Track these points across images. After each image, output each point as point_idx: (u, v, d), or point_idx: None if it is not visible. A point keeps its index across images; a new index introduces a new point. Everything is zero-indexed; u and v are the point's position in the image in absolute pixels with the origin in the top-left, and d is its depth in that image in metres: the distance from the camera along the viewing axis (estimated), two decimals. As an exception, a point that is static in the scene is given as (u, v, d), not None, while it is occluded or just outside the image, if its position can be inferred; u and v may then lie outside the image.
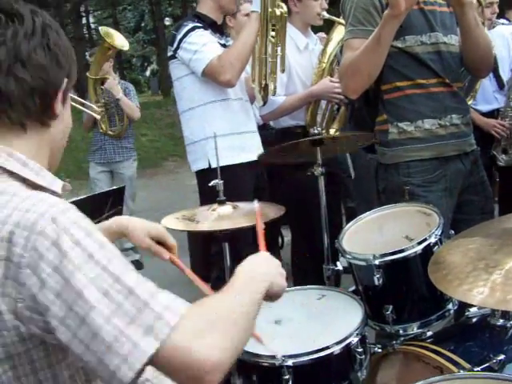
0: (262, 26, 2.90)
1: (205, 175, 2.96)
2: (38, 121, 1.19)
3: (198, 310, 1.07)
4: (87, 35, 26.35)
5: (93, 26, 29.53)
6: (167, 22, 28.70)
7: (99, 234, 1.06)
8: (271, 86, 3.09)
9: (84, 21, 26.64)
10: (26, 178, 1.14)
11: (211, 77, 2.91)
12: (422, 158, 2.27)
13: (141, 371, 0.98)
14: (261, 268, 1.31)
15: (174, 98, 3.23)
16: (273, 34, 2.97)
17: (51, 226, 1.00)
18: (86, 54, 9.87)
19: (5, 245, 1.01)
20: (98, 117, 4.68)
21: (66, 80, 1.21)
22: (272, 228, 3.94)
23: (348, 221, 2.33)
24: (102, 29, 4.91)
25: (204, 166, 3.01)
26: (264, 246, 1.51)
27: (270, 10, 2.89)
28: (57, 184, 1.19)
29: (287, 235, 4.58)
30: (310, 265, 3.37)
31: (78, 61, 1.33)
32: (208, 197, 2.82)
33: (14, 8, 1.15)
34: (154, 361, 0.99)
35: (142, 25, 30.66)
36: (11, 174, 1.13)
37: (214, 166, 2.89)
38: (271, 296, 1.32)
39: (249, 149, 3.08)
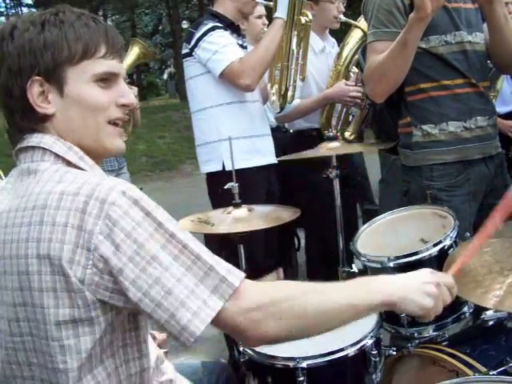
0: (286, 33, 2.90)
1: (217, 178, 2.92)
2: (30, 129, 1.25)
3: (267, 287, 1.22)
4: (105, 39, 26.61)
5: (111, 29, 29.88)
6: (184, 25, 28.81)
7: (163, 210, 1.16)
8: (290, 94, 3.09)
9: (102, 25, 26.92)
10: (83, 168, 1.23)
11: (230, 79, 2.88)
12: (446, 161, 2.24)
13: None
14: (395, 281, 1.31)
15: None
16: (296, 41, 2.97)
17: (122, 198, 1.11)
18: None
19: (78, 215, 1.10)
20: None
21: (31, 79, 1.21)
22: (287, 230, 3.96)
23: (364, 222, 2.33)
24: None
25: (217, 168, 2.96)
26: (459, 266, 1.39)
27: (295, 17, 2.89)
28: None
29: (303, 237, 4.58)
30: (325, 266, 3.37)
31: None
32: (220, 199, 2.79)
33: None
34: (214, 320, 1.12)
35: (160, 28, 30.82)
36: (69, 163, 1.23)
37: (228, 168, 2.84)
38: (410, 314, 1.38)
39: (264, 152, 3.06)
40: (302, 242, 4.96)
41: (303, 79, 3.13)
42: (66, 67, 1.22)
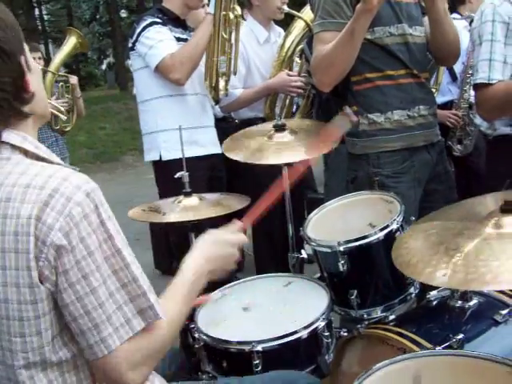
0: (214, 28, 2.96)
1: (157, 167, 3.15)
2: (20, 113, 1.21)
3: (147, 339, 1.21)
4: (40, 27, 25.75)
5: (46, 17, 28.89)
6: (123, 14, 28.26)
7: (115, 221, 1.18)
8: (222, 86, 3.15)
9: (37, 12, 26.03)
10: (42, 156, 1.21)
11: (163, 73, 2.99)
12: (392, 148, 2.31)
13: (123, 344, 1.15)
14: (201, 262, 1.47)
15: (132, 92, 3.29)
16: (226, 35, 3.01)
17: (86, 201, 1.13)
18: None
19: (40, 206, 1.09)
20: (64, 117, 4.58)
21: (22, 58, 1.20)
22: (233, 220, 3.98)
23: (309, 211, 2.38)
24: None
25: (155, 157, 3.12)
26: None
27: (223, 13, 2.94)
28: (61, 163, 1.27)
29: (249, 226, 4.62)
30: (272, 254, 3.43)
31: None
32: (161, 187, 3.10)
33: None
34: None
35: (97, 17, 30.06)
36: (26, 152, 1.20)
37: (164, 158, 3.05)
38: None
39: (203, 143, 3.17)
40: (248, 230, 5.01)
41: (235, 73, 3.19)
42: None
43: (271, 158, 2.35)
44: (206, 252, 1.50)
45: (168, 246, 4.17)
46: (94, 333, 1.13)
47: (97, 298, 1.12)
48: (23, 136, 1.21)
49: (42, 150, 1.23)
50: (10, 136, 1.19)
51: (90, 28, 29.47)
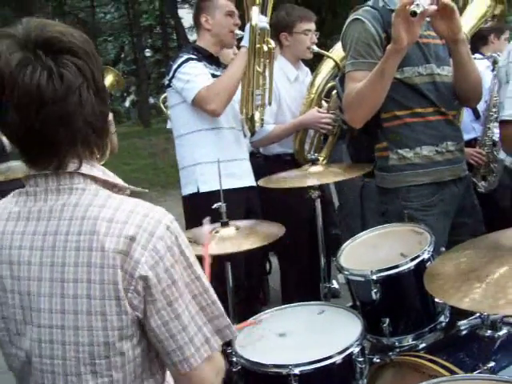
0: (249, 60, 3.07)
1: (193, 199, 3.17)
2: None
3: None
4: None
5: (73, 56, 29.55)
6: (148, 53, 28.90)
7: (191, 248, 1.26)
8: (258, 118, 3.24)
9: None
10: (111, 182, 1.29)
11: (199, 106, 3.06)
12: (421, 183, 2.40)
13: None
14: None
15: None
16: (260, 68, 3.12)
17: (167, 234, 1.21)
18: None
19: (127, 241, 1.17)
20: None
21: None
22: (259, 254, 4.04)
23: (332, 249, 2.45)
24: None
25: (192, 190, 3.16)
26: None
27: (258, 45, 3.06)
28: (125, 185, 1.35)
29: (275, 261, 4.67)
30: (299, 286, 3.49)
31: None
32: (195, 221, 2.97)
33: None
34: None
35: (122, 56, 30.77)
36: (94, 178, 1.26)
37: (202, 190, 3.10)
38: None
39: (239, 175, 3.23)
40: (274, 265, 5.04)
41: (270, 103, 3.29)
42: None
43: (296, 182, 2.62)
44: None
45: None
46: (177, 353, 1.23)
47: (181, 323, 1.22)
48: (91, 164, 1.27)
49: (110, 176, 1.30)
50: (94, 170, 1.27)
51: (116, 68, 30.12)
